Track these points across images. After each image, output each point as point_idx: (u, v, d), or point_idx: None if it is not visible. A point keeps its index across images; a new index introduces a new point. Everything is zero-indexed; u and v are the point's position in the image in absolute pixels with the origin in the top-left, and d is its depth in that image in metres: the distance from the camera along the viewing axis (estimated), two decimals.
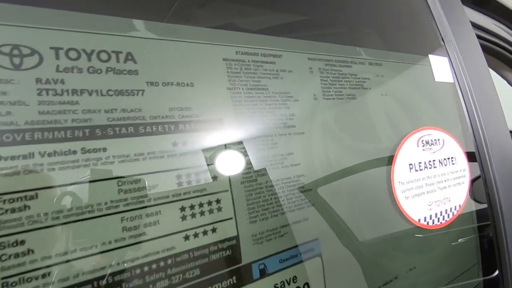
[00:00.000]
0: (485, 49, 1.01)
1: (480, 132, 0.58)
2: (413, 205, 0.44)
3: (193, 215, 0.27)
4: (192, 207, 0.27)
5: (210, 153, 0.29)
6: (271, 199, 0.32)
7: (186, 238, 0.26)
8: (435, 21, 0.60)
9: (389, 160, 0.43)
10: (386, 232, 0.41)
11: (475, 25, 0.89)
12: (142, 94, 0.26)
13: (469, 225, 0.54)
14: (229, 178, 0.29)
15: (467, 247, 0.53)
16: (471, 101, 0.58)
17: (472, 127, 0.58)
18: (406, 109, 0.47)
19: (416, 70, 0.51)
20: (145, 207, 0.25)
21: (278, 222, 0.32)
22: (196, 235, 0.27)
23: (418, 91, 0.50)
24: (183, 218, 0.26)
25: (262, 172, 0.31)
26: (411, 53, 0.54)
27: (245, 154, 0.31)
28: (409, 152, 0.45)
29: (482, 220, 0.57)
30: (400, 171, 0.43)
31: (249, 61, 0.33)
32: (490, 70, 1.23)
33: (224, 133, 0.30)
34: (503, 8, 0.94)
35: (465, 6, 0.85)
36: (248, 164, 0.31)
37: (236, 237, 0.29)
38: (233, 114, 0.30)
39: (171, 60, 0.28)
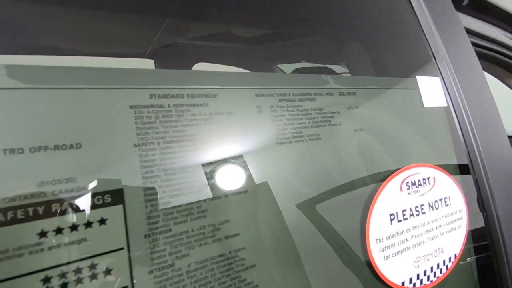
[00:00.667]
0: (488, 59, 0.93)
1: (480, 164, 0.50)
2: (395, 265, 0.36)
3: None
4: None
5: (101, 239, 0.21)
6: (194, 287, 0.24)
7: None
8: (424, 34, 0.52)
9: (364, 214, 0.35)
10: None
11: (476, 34, 0.81)
12: None
13: (468, 276, 0.46)
14: (130, 269, 0.22)
15: None
16: (468, 127, 0.50)
17: (470, 158, 0.50)
18: (387, 145, 0.40)
19: (400, 96, 0.43)
20: None
21: None
22: None
23: (403, 121, 0.42)
24: None
25: (182, 253, 0.24)
26: (394, 76, 0.47)
27: (156, 231, 0.23)
28: (389, 200, 0.37)
29: (485, 268, 0.48)
30: (377, 225, 0.35)
31: (169, 106, 0.26)
32: (495, 79, 1.14)
33: (126, 208, 0.22)
34: (505, 14, 0.86)
35: (463, 13, 0.77)
36: (160, 244, 0.23)
37: None
38: (139, 179, 0.23)
39: (45, 116, 0.21)
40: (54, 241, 0.20)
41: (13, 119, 0.20)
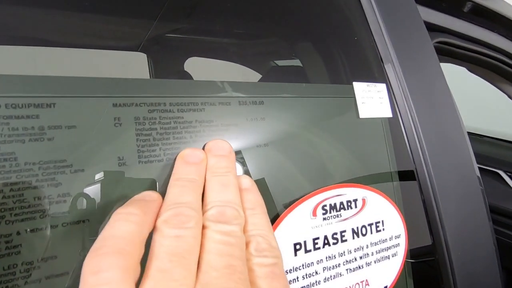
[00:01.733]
0: (479, 63, 0.86)
1: (429, 185, 0.44)
2: None
3: None
4: None
5: None
6: None
7: None
8: (371, 31, 0.46)
9: None
10: None
11: (467, 38, 0.74)
12: None
13: None
14: None
15: None
16: (417, 142, 0.45)
17: (418, 177, 0.45)
18: (302, 164, 0.35)
19: (326, 104, 0.38)
20: None
21: None
22: None
23: (327, 134, 0.37)
24: None
25: None
26: (322, 82, 0.41)
27: None
28: (295, 227, 0.32)
29: None
30: None
31: None
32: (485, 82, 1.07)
33: None
34: (500, 17, 0.79)
35: (454, 17, 0.71)
36: None
37: None
38: None
39: None
40: None
41: None
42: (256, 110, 0.32)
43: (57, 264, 0.22)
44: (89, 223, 0.23)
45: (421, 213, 0.45)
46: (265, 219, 0.26)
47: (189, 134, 0.28)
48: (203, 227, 0.22)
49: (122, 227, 0.19)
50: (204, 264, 0.20)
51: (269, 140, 0.33)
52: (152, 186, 0.26)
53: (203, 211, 0.23)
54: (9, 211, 0.21)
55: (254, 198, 0.27)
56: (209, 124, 0.30)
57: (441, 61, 0.58)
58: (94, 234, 0.23)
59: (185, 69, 1.08)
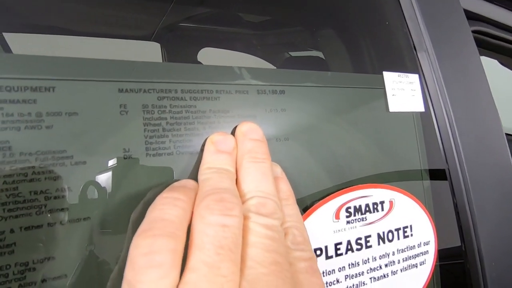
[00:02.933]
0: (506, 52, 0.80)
1: (463, 187, 0.40)
2: None
3: None
4: None
5: None
6: None
7: None
8: (405, 20, 0.42)
9: None
10: None
11: (505, 27, 0.68)
12: None
13: None
14: None
15: None
16: (451, 137, 0.41)
17: (451, 178, 0.41)
18: (325, 161, 0.31)
19: (352, 96, 0.34)
20: None
21: None
22: None
23: (354, 129, 0.34)
24: None
25: None
26: (348, 71, 0.38)
27: None
28: (317, 231, 0.29)
29: None
30: None
31: None
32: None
33: None
34: None
35: (492, 3, 0.65)
36: None
37: None
38: None
39: None
40: None
41: None
42: (276, 100, 0.29)
43: (54, 265, 0.20)
44: (90, 221, 0.21)
45: (452, 217, 0.41)
46: (297, 210, 0.24)
47: (202, 125, 0.26)
48: (244, 218, 0.20)
49: (170, 211, 0.18)
50: (249, 259, 0.18)
51: (290, 133, 0.30)
52: (167, 176, 0.23)
53: (242, 201, 0.21)
54: (1, 206, 0.19)
55: (286, 188, 0.25)
56: (225, 114, 0.27)
57: None
58: (96, 232, 0.21)
59: (198, 60, 1.05)
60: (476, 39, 0.62)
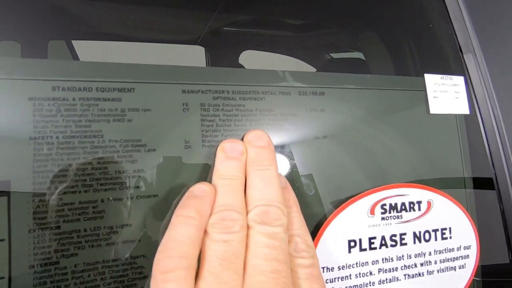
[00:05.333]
0: None
1: (511, 191, 0.39)
2: None
3: None
4: None
5: None
6: None
7: None
8: (449, 17, 0.42)
9: (312, 236, 0.30)
10: None
11: None
12: None
13: None
14: (9, 261, 0.22)
15: None
16: (499, 142, 0.39)
17: (498, 183, 0.39)
18: (363, 159, 0.33)
19: (391, 97, 0.35)
20: None
21: None
22: None
23: (391, 130, 0.35)
24: None
25: (70, 252, 0.23)
26: (390, 73, 0.38)
27: (42, 226, 0.23)
28: (352, 224, 0.31)
29: None
30: (327, 251, 0.30)
31: (74, 99, 0.25)
32: None
33: (11, 200, 0.22)
34: None
35: None
36: (46, 240, 0.23)
37: None
38: (29, 172, 0.23)
39: None
40: None
41: None
42: (316, 100, 0.32)
43: (131, 231, 0.25)
44: (158, 198, 0.26)
45: (499, 227, 0.40)
46: (301, 217, 0.26)
47: (249, 122, 0.29)
48: (248, 227, 0.23)
49: (183, 231, 0.21)
50: (250, 268, 0.21)
51: (328, 132, 0.32)
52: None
53: (247, 210, 0.23)
54: (96, 181, 0.24)
55: (290, 197, 0.27)
56: (269, 113, 0.30)
57: None
58: (162, 207, 0.26)
59: (240, 62, 1.10)
60: None
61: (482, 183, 0.39)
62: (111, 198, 0.25)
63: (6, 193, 0.22)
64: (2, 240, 0.22)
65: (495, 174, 0.39)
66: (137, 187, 0.25)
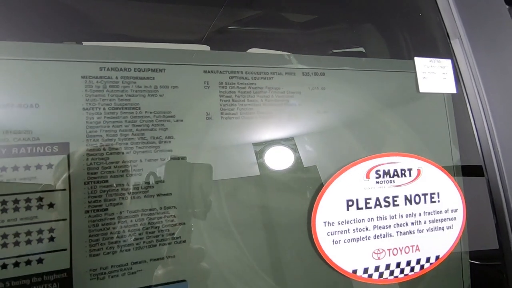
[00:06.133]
0: None
1: (495, 163, 0.43)
2: (346, 252, 0.35)
3: (16, 243, 0.26)
4: (17, 234, 0.26)
5: (49, 179, 0.27)
6: (123, 231, 0.29)
7: (3, 266, 0.25)
8: (439, 10, 0.46)
9: (314, 196, 0.35)
10: (298, 282, 0.34)
11: None
12: None
13: (455, 283, 0.41)
14: (70, 206, 0.27)
15: None
16: (484, 119, 0.44)
17: (483, 155, 0.44)
18: (358, 131, 0.38)
19: (384, 78, 0.40)
20: None
21: (131, 257, 0.29)
22: (16, 264, 0.26)
23: (384, 106, 0.39)
24: (3, 245, 0.26)
25: (116, 201, 0.29)
26: (383, 58, 0.43)
27: (94, 180, 0.28)
28: (349, 186, 0.36)
29: (485, 279, 0.42)
30: (328, 208, 0.34)
31: (116, 78, 0.30)
32: None
33: (70, 158, 0.28)
34: None
35: None
36: (97, 191, 0.28)
37: (68, 270, 0.27)
38: (84, 136, 0.28)
39: (13, 81, 0.27)
40: (10, 175, 0.26)
41: None
42: (317, 80, 0.37)
43: (164, 186, 0.30)
44: (186, 160, 0.31)
45: (485, 196, 0.44)
46: None
47: (260, 98, 0.34)
48: None
49: None
50: None
51: (328, 107, 0.37)
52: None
53: None
54: (135, 145, 0.30)
55: None
56: (277, 90, 0.35)
57: None
58: (189, 167, 0.31)
59: None
60: None
61: (469, 152, 0.43)
62: (146, 159, 0.30)
63: (66, 153, 0.28)
64: (64, 189, 0.27)
65: (480, 145, 0.43)
66: (169, 150, 0.31)
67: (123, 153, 0.29)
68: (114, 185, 0.29)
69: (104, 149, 0.29)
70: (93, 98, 0.29)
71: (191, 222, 0.31)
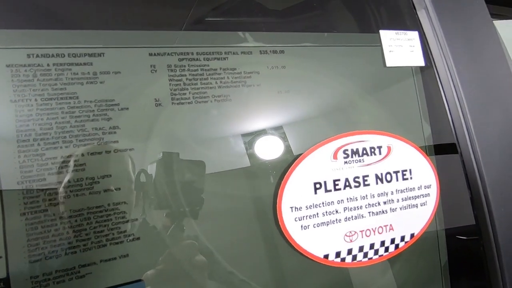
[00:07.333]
0: None
1: (467, 137, 0.42)
2: (316, 237, 0.34)
3: None
4: None
5: None
6: (67, 233, 0.26)
7: None
8: None
9: (279, 181, 0.33)
10: (265, 272, 0.32)
11: None
12: None
13: (432, 260, 0.40)
14: (2, 210, 0.25)
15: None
16: (454, 91, 0.42)
17: (455, 130, 0.43)
18: (324, 110, 0.36)
19: (348, 53, 0.38)
20: None
21: (77, 260, 0.26)
22: None
23: (349, 82, 0.37)
24: None
25: (56, 201, 0.26)
26: (347, 31, 0.41)
27: (29, 179, 0.26)
28: (316, 168, 0.34)
29: (463, 254, 0.42)
30: (294, 193, 0.33)
31: (48, 65, 0.27)
32: None
33: (1, 156, 0.25)
34: None
35: None
36: (34, 191, 0.26)
37: (5, 280, 0.24)
38: (13, 132, 0.25)
39: None
40: None
41: None
42: (276, 58, 0.34)
43: (109, 182, 0.28)
44: (134, 151, 0.29)
45: (458, 170, 0.43)
46: None
47: (214, 80, 0.32)
48: None
49: None
50: None
51: (289, 87, 0.35)
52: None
53: None
54: (75, 137, 0.27)
55: None
56: (233, 71, 0.33)
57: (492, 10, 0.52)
58: (138, 158, 0.29)
59: None
60: None
61: (439, 124, 0.42)
62: (89, 153, 0.27)
63: None
64: None
65: (451, 117, 0.42)
66: (114, 142, 0.28)
67: (61, 147, 0.27)
68: (53, 182, 0.26)
69: (39, 145, 0.26)
70: (21, 88, 0.26)
71: (145, 217, 0.28)
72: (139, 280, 0.28)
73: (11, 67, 0.26)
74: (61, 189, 0.26)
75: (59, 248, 0.26)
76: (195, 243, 0.29)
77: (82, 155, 0.27)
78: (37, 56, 0.27)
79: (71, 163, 0.27)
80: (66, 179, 0.27)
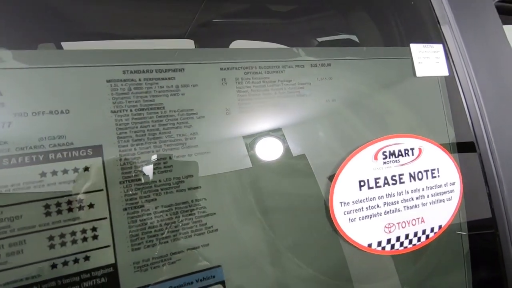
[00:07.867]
0: None
1: (486, 139, 0.47)
2: (362, 228, 0.38)
3: (62, 244, 0.27)
4: (62, 235, 0.27)
5: (86, 181, 0.28)
6: (160, 225, 0.30)
7: (54, 266, 0.27)
8: None
9: (330, 179, 0.37)
10: (320, 259, 0.37)
11: None
12: (9, 126, 0.27)
13: (456, 249, 0.45)
14: (108, 205, 0.29)
15: (453, 273, 0.45)
16: (474, 99, 0.47)
17: (475, 132, 0.47)
18: (365, 116, 0.40)
19: (385, 65, 0.42)
20: (7, 237, 0.26)
21: (169, 248, 0.31)
22: (65, 263, 0.27)
23: (387, 92, 0.42)
24: (51, 247, 0.27)
25: (151, 198, 0.30)
26: (382, 46, 0.45)
27: (128, 179, 0.30)
28: (360, 168, 0.39)
29: (482, 244, 0.47)
30: (342, 190, 0.37)
31: (140, 80, 0.31)
32: None
33: (104, 159, 0.29)
34: None
35: None
36: (132, 189, 0.30)
37: (114, 265, 0.28)
38: (115, 138, 0.29)
39: (43, 88, 0.28)
40: (50, 180, 0.27)
41: (19, 91, 0.27)
42: (325, 71, 0.39)
43: (192, 181, 0.32)
44: (209, 154, 0.33)
45: (478, 168, 0.48)
46: None
47: (274, 91, 0.36)
48: None
49: None
50: None
51: (336, 96, 0.39)
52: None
53: None
54: (163, 142, 0.31)
55: None
56: (289, 83, 0.37)
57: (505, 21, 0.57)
58: (213, 160, 0.33)
59: None
60: (503, 8, 0.66)
61: (462, 128, 0.47)
62: (175, 156, 0.31)
63: (100, 155, 0.29)
64: (101, 190, 0.29)
65: (471, 122, 0.47)
66: (195, 146, 0.32)
67: (152, 151, 0.31)
68: (147, 182, 0.30)
69: (135, 149, 0.30)
70: (119, 100, 0.30)
71: (222, 211, 0.33)
72: (218, 266, 0.32)
73: (111, 82, 0.30)
74: (153, 188, 0.30)
75: (154, 238, 0.30)
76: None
77: (170, 158, 0.31)
78: (131, 72, 0.31)
79: (161, 165, 0.31)
80: (157, 179, 0.31)
